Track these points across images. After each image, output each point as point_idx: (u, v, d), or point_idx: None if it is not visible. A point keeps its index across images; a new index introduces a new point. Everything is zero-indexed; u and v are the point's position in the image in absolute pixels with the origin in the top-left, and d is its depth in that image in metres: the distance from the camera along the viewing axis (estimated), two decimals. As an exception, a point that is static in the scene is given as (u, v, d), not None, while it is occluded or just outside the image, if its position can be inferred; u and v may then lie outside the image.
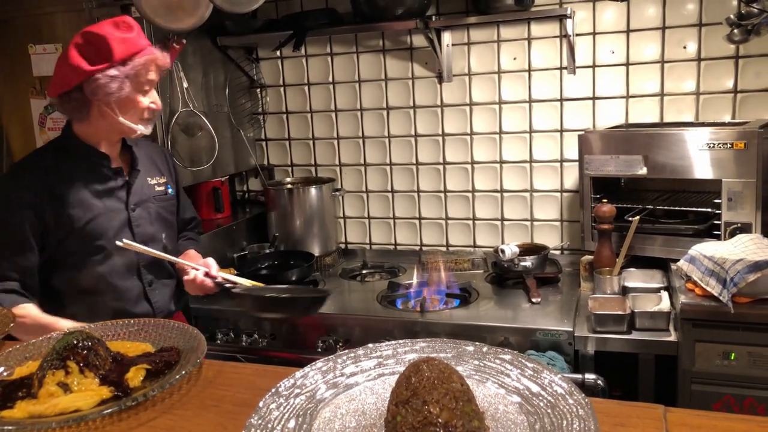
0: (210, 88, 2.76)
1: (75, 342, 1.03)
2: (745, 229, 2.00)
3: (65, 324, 1.55)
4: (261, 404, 0.85)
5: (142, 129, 1.69)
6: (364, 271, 2.76)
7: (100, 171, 1.72)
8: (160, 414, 0.94)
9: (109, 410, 0.92)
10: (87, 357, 1.01)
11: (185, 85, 2.58)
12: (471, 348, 0.94)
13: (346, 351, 0.98)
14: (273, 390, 0.88)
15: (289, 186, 2.88)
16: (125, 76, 1.60)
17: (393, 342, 0.99)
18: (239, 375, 1.04)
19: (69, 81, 1.60)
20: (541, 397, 0.79)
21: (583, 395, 0.76)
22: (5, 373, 1.08)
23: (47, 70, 2.66)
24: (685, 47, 2.39)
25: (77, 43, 1.60)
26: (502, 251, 2.34)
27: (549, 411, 0.76)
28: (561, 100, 2.58)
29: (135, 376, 1.01)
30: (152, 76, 1.68)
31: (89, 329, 1.13)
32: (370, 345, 0.99)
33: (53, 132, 2.72)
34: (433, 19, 2.56)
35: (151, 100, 1.69)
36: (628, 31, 2.45)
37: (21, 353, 1.14)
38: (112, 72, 1.58)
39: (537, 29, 2.56)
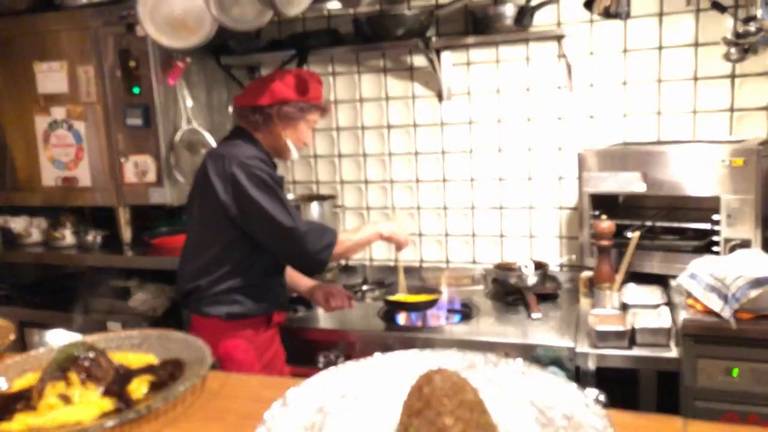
0: (213, 106, 2.77)
1: (76, 353, 1.01)
2: (745, 245, 2.00)
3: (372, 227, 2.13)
4: (267, 416, 0.83)
5: (296, 155, 2.06)
6: (364, 287, 2.75)
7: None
8: (164, 426, 0.92)
9: (111, 423, 0.90)
10: (89, 369, 0.99)
11: (188, 103, 2.58)
12: (481, 359, 0.92)
13: (353, 361, 0.96)
14: (280, 401, 0.86)
15: (290, 203, 2.88)
16: (306, 111, 1.99)
17: (401, 352, 0.97)
18: (245, 386, 1.02)
19: (265, 98, 1.94)
20: (555, 409, 0.78)
21: (600, 406, 0.75)
22: (3, 386, 1.06)
23: (52, 88, 2.66)
24: (681, 66, 2.41)
25: (281, 76, 1.97)
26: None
27: (565, 423, 0.75)
28: (559, 118, 2.60)
29: (138, 388, 0.99)
30: (317, 119, 2.07)
31: (91, 341, 1.11)
32: (378, 354, 0.97)
33: (57, 149, 2.71)
34: (434, 40, 2.58)
35: (309, 138, 2.08)
36: (625, 50, 2.47)
37: (20, 365, 1.11)
38: (302, 105, 1.97)
39: (535, 49, 2.59)
